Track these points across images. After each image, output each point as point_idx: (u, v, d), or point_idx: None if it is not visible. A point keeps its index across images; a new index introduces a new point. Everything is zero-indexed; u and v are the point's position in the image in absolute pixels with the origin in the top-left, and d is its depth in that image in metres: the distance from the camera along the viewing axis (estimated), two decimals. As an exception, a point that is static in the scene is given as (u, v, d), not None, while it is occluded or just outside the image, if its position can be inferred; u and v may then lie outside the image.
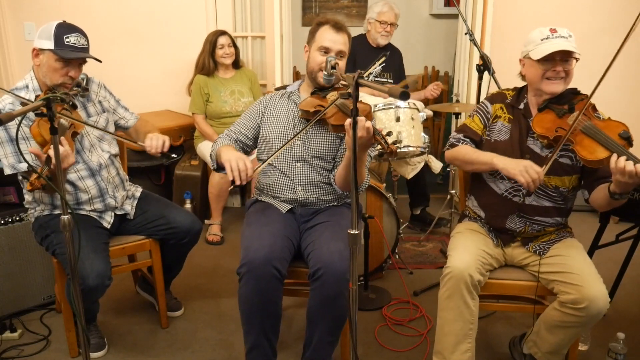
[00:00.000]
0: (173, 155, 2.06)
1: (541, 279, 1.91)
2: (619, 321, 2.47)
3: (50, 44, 1.96)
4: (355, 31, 2.25)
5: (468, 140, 2.02)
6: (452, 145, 2.04)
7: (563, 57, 1.84)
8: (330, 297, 1.82)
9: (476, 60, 3.42)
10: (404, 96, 1.22)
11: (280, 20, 3.55)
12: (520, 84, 2.05)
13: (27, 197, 2.18)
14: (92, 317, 2.27)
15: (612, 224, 2.51)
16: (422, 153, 3.02)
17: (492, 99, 2.05)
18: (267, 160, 1.91)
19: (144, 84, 3.93)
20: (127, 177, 2.39)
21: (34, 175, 1.75)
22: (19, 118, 1.48)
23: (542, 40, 1.85)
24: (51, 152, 1.63)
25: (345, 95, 1.58)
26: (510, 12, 3.77)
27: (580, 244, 1.98)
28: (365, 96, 3.21)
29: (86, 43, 2.05)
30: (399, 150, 2.90)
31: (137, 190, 2.40)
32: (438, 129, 5.07)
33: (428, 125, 4.77)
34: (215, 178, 3.34)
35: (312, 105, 1.99)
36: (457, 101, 3.48)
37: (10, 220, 2.41)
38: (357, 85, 1.36)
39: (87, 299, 1.97)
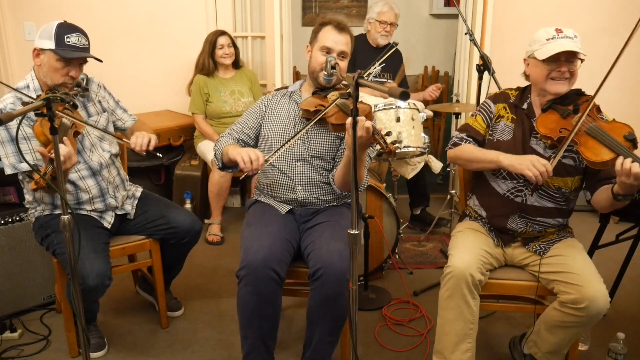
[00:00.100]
0: (158, 154, 2.05)
1: (541, 279, 1.91)
2: (619, 321, 2.47)
3: (51, 44, 1.96)
4: (355, 31, 2.25)
5: (471, 139, 2.01)
6: (455, 145, 2.03)
7: (568, 58, 1.84)
8: (330, 297, 1.82)
9: (476, 60, 3.42)
10: (404, 96, 1.22)
11: (280, 20, 3.54)
12: (522, 83, 2.04)
13: (28, 197, 2.18)
14: (92, 317, 2.27)
15: (612, 224, 2.51)
16: (422, 153, 3.02)
17: (495, 98, 2.05)
18: (277, 150, 1.90)
19: (144, 84, 3.93)
20: (127, 177, 2.39)
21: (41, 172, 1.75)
22: (19, 117, 1.48)
23: (547, 40, 1.84)
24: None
25: (345, 95, 1.58)
26: (510, 12, 3.77)
27: (581, 244, 1.98)
28: (365, 96, 3.22)
29: (87, 43, 2.05)
30: (399, 151, 2.90)
31: (138, 190, 2.40)
32: (438, 129, 5.06)
33: (428, 125, 4.77)
34: (215, 177, 3.33)
35: (313, 105, 2.00)
36: (457, 101, 3.49)
37: (10, 220, 2.41)
38: (357, 85, 1.36)
39: (87, 299, 1.97)
